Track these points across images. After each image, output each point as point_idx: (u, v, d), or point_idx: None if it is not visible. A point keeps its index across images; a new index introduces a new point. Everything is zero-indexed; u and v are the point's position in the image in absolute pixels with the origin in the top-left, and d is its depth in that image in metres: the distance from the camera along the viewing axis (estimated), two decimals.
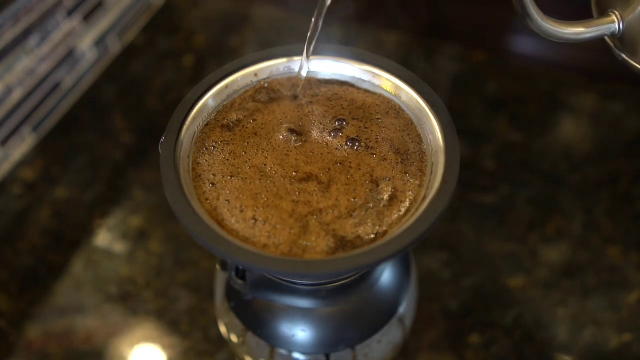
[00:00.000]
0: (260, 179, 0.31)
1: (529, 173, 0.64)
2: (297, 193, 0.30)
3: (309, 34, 0.33)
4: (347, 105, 0.35)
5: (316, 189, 0.30)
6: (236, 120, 0.34)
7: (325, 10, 0.32)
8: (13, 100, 0.63)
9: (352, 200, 0.30)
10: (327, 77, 0.36)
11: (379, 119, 0.34)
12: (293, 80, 0.36)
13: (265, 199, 0.30)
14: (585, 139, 0.67)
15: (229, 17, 0.82)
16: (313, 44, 0.34)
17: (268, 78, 0.36)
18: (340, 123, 0.33)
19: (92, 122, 0.70)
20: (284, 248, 0.28)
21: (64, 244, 0.58)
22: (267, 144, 0.33)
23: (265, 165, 0.31)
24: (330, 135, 0.33)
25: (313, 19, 0.32)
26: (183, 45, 0.78)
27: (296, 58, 0.36)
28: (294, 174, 0.31)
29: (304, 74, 0.35)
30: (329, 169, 0.31)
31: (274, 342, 0.38)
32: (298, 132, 0.33)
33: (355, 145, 0.32)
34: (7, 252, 0.58)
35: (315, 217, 0.29)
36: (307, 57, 0.34)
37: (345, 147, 0.32)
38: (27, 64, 0.63)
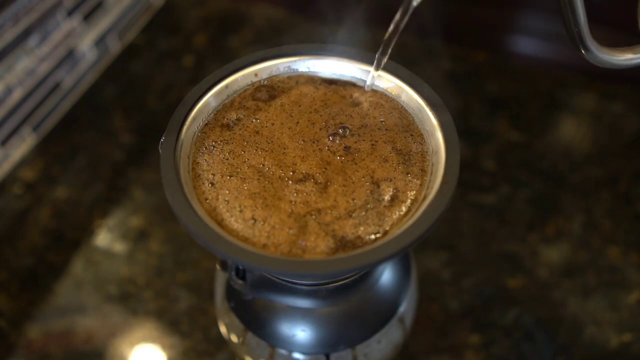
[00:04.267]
0: (258, 179, 0.31)
1: (529, 173, 0.64)
2: (295, 194, 0.30)
3: (385, 39, 0.31)
4: (351, 106, 0.34)
5: (313, 189, 0.30)
6: (236, 120, 0.34)
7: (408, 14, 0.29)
8: (13, 100, 0.63)
9: (351, 201, 0.30)
10: (329, 76, 0.36)
11: (382, 121, 0.34)
12: (294, 78, 0.36)
13: (264, 199, 0.30)
14: (585, 139, 0.67)
15: (229, 17, 0.82)
16: (387, 54, 0.32)
17: (268, 78, 0.36)
18: (343, 130, 0.33)
19: (92, 122, 0.70)
20: (283, 248, 0.28)
21: (64, 244, 0.58)
22: (267, 143, 0.33)
23: (263, 165, 0.31)
24: (329, 139, 0.33)
25: (392, 25, 0.30)
26: (183, 45, 0.78)
27: (296, 58, 0.36)
28: (291, 174, 0.31)
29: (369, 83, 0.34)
30: (325, 169, 0.31)
31: (274, 342, 0.38)
32: (299, 133, 0.33)
33: (353, 151, 0.32)
34: (7, 252, 0.58)
35: (313, 217, 0.29)
36: (377, 68, 0.32)
37: (345, 149, 0.32)
38: (27, 64, 0.63)
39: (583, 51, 0.31)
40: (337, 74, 0.36)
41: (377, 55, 0.33)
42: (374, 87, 0.35)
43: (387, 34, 0.31)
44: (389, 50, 0.32)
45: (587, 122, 0.69)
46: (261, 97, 0.35)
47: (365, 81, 0.36)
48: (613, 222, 0.59)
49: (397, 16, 0.30)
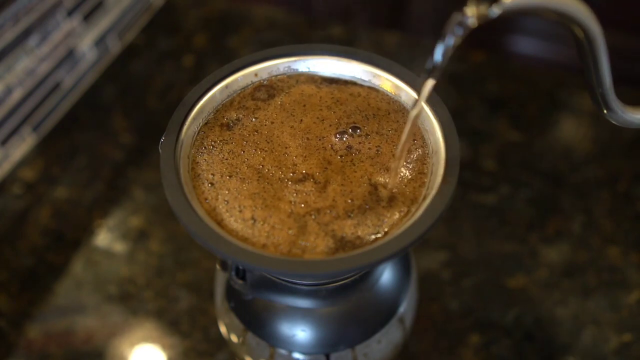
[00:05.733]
0: (258, 180, 0.31)
1: (529, 173, 0.64)
2: (295, 194, 0.30)
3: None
4: (355, 108, 0.34)
5: (312, 188, 0.30)
6: (235, 119, 0.34)
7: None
8: (13, 100, 0.63)
9: (349, 201, 0.30)
10: (330, 76, 0.36)
11: (383, 127, 0.33)
12: (294, 78, 0.36)
13: (264, 199, 0.30)
14: (585, 139, 0.67)
15: (229, 17, 0.82)
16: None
17: (268, 77, 0.36)
18: (353, 129, 0.33)
19: (92, 122, 0.70)
20: (283, 248, 0.28)
21: (64, 244, 0.58)
22: (266, 143, 0.33)
23: (262, 166, 0.31)
24: (336, 137, 0.33)
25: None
26: (183, 45, 0.78)
27: (296, 58, 0.36)
28: (291, 174, 0.31)
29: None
30: (325, 168, 0.31)
31: (274, 342, 0.38)
32: (302, 130, 0.33)
33: (355, 152, 0.32)
34: (7, 252, 0.58)
35: (313, 217, 0.29)
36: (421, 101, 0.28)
37: (346, 150, 0.32)
38: (27, 64, 0.63)
39: (605, 111, 0.31)
40: (337, 74, 0.36)
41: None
42: (373, 86, 0.35)
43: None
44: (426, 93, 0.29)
45: (587, 122, 0.69)
46: (261, 96, 0.35)
47: (365, 80, 0.36)
48: (613, 222, 0.59)
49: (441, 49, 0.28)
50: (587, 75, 0.29)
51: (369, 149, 0.32)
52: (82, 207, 0.61)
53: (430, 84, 0.28)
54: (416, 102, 0.29)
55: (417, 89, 0.29)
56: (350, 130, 0.33)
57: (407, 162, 0.32)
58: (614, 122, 0.32)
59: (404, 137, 0.30)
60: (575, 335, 0.52)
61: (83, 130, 0.69)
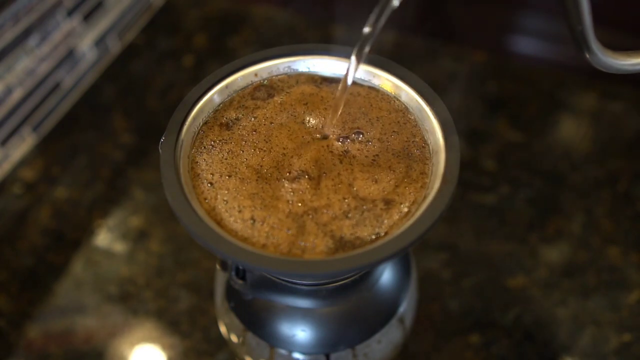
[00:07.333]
0: (257, 180, 0.31)
1: (529, 173, 0.64)
2: (291, 193, 0.30)
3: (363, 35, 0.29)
4: (357, 110, 0.34)
5: (308, 186, 0.30)
6: (235, 119, 0.34)
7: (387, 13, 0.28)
8: (13, 100, 0.62)
9: (344, 200, 0.30)
10: (330, 76, 0.36)
11: (386, 131, 0.33)
12: (294, 78, 0.36)
13: (262, 199, 0.30)
14: (585, 139, 0.67)
15: (229, 17, 0.82)
16: (367, 48, 0.29)
17: (268, 77, 0.36)
18: (357, 134, 0.33)
19: (92, 122, 0.70)
20: (283, 248, 0.28)
21: (64, 244, 0.58)
22: (265, 143, 0.33)
23: (261, 166, 0.31)
24: (339, 141, 0.33)
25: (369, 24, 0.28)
26: (183, 45, 0.78)
27: (296, 58, 0.36)
28: (287, 174, 0.31)
29: (349, 81, 0.31)
30: (320, 167, 0.31)
31: (274, 342, 0.38)
32: (298, 132, 0.33)
33: (350, 157, 0.32)
34: (7, 252, 0.58)
35: (310, 216, 0.29)
36: (358, 62, 0.30)
37: (344, 153, 0.32)
38: (27, 64, 0.63)
39: (586, 53, 0.30)
40: (338, 74, 0.36)
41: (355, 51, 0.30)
42: (374, 87, 0.35)
43: (367, 31, 0.29)
44: (367, 47, 0.30)
45: (587, 122, 0.69)
46: (260, 96, 0.35)
47: (365, 80, 0.36)
48: (613, 222, 0.59)
49: (375, 16, 0.28)
50: (566, 11, 0.28)
51: (366, 156, 0.32)
52: (82, 207, 0.61)
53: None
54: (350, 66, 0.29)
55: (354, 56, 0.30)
56: (353, 135, 0.33)
57: (411, 168, 0.32)
58: (595, 66, 0.31)
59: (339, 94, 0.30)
60: (575, 335, 0.52)
61: (83, 130, 0.69)
